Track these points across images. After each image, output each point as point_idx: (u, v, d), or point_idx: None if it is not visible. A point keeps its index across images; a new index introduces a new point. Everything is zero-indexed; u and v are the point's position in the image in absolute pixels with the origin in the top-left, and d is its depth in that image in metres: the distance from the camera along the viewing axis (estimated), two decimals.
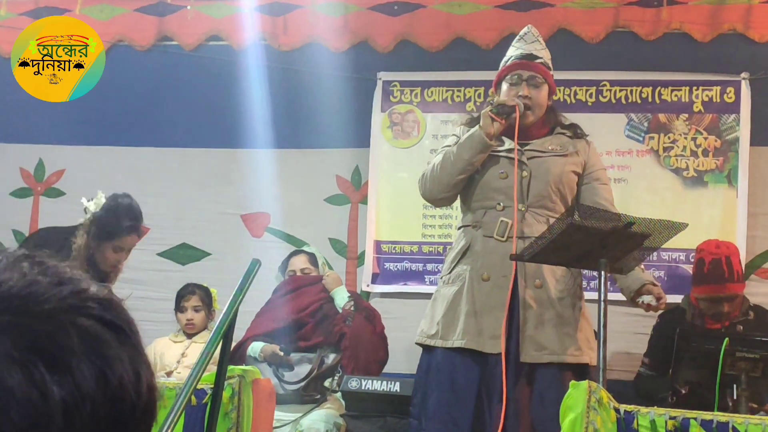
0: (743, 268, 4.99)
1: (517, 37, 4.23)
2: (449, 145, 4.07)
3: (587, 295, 4.20)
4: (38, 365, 0.73)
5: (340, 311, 5.16)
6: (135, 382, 0.79)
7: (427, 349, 3.97)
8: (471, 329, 3.85)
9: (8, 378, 0.72)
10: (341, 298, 5.20)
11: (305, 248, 5.53)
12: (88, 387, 0.75)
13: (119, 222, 4.59)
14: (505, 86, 4.06)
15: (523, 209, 3.95)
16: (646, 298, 3.92)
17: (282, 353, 5.04)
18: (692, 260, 5.37)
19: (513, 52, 4.15)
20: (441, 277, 4.08)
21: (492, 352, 3.79)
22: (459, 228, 4.11)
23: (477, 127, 3.96)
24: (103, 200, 4.61)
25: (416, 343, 4.05)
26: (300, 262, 5.36)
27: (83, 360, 0.75)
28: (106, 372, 0.76)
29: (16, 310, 0.75)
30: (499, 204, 3.94)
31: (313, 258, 5.39)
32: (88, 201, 4.61)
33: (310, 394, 4.97)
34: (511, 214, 3.91)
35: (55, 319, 0.76)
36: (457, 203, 4.18)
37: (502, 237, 3.89)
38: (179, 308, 5.43)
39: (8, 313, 0.75)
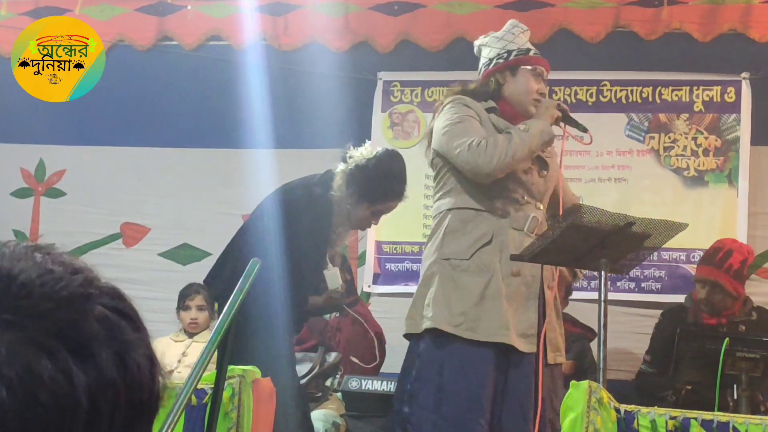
0: (744, 269, 4.98)
1: (523, 29, 4.10)
2: (469, 116, 3.93)
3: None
4: (62, 351, 0.75)
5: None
6: (150, 368, 0.81)
7: (447, 338, 3.76)
8: (505, 324, 3.77)
9: (36, 363, 0.73)
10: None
11: None
12: (110, 372, 0.76)
13: (388, 184, 4.07)
14: (528, 75, 3.97)
15: (541, 207, 3.95)
16: None
17: None
18: (693, 260, 5.38)
19: (527, 43, 4.07)
20: (447, 259, 3.80)
21: (527, 351, 3.76)
22: (466, 208, 3.85)
23: (545, 121, 3.89)
24: (371, 153, 4.10)
25: (428, 329, 3.79)
26: None
27: (104, 346, 0.77)
28: (125, 358, 0.78)
29: (37, 297, 0.76)
30: (523, 197, 3.89)
31: None
32: (354, 148, 4.13)
33: (312, 392, 4.97)
34: (532, 210, 3.89)
35: (74, 305, 0.77)
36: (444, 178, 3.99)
37: (532, 233, 3.85)
38: (183, 307, 5.43)
39: (29, 299, 0.76)
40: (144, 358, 0.80)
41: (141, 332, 0.82)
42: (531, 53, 4.03)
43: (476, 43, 4.11)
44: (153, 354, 0.82)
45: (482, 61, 4.05)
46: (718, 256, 4.86)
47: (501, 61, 3.99)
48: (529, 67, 3.98)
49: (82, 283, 0.80)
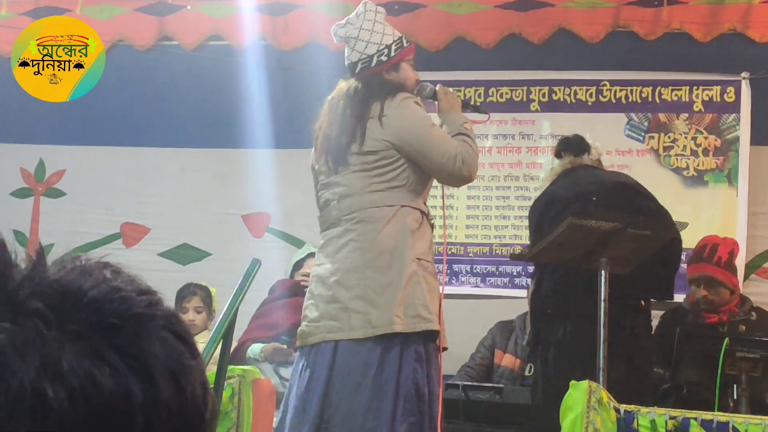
0: (733, 260, 4.99)
1: (382, 11, 3.89)
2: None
3: None
4: (124, 367, 0.76)
5: None
6: (203, 394, 0.82)
7: (432, 336, 3.70)
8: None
9: (99, 375, 0.75)
10: None
11: None
12: (166, 394, 0.78)
13: None
14: (407, 68, 3.89)
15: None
16: None
17: (285, 346, 4.98)
18: None
19: (393, 29, 3.89)
20: (419, 259, 3.70)
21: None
22: (417, 209, 3.76)
23: (459, 112, 3.86)
24: None
25: (426, 330, 3.67)
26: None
27: (163, 368, 0.79)
28: (182, 382, 0.80)
29: (105, 313, 0.78)
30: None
31: None
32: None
33: None
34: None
35: (139, 325, 0.79)
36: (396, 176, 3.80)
37: None
38: (180, 309, 5.42)
39: (98, 315, 0.78)
40: (199, 384, 0.82)
41: (197, 359, 0.84)
42: (405, 42, 3.86)
43: (341, 33, 3.83)
44: (207, 381, 0.84)
45: (355, 55, 3.83)
46: (706, 252, 4.86)
47: (384, 59, 3.82)
48: (408, 59, 3.85)
49: (147, 305, 0.82)
